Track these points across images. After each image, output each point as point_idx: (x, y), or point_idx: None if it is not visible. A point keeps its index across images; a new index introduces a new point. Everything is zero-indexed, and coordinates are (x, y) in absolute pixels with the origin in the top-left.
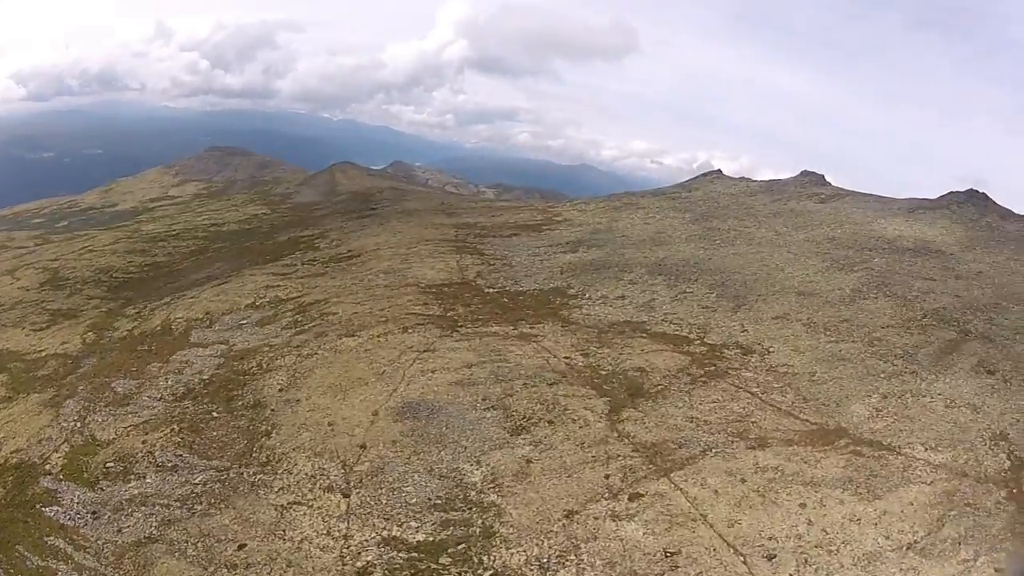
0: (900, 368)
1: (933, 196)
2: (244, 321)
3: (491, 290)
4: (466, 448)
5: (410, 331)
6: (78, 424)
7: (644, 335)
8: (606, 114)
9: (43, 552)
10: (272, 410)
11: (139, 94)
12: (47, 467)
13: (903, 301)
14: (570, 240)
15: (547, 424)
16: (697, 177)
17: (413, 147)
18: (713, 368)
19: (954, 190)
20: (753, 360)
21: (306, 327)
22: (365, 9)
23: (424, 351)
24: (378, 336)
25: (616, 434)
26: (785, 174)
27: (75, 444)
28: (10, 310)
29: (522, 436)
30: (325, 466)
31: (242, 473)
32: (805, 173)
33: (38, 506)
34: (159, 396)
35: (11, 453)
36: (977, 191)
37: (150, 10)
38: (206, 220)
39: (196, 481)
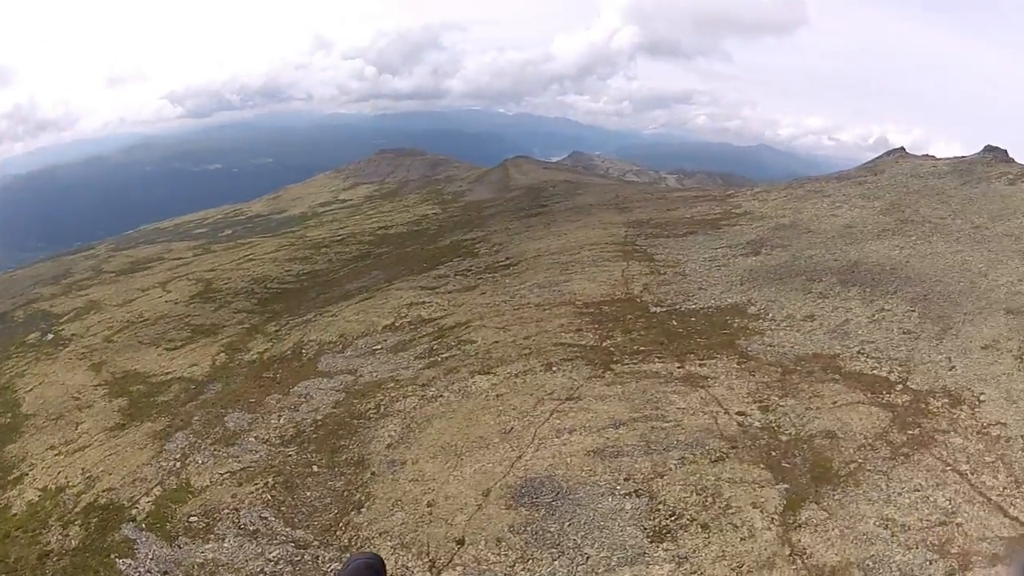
0: None
1: None
2: (378, 346)
3: (658, 309)
4: (588, 559)
5: (554, 369)
6: (178, 464)
7: (836, 376)
8: (779, 91)
9: None
10: (373, 472)
11: (306, 103)
12: (134, 511)
13: None
14: (751, 239)
15: (700, 529)
16: (881, 157)
17: (592, 137)
18: (917, 431)
19: None
20: (963, 416)
21: (440, 358)
22: (526, 4)
23: (566, 399)
24: (515, 376)
25: (788, 551)
26: (957, 145)
27: (168, 488)
28: (152, 326)
29: (664, 545)
30: (410, 564)
31: (318, 557)
32: (988, 149)
33: (113, 556)
34: (266, 438)
35: (103, 491)
36: None
37: (303, 25)
38: (375, 223)
39: (271, 556)
